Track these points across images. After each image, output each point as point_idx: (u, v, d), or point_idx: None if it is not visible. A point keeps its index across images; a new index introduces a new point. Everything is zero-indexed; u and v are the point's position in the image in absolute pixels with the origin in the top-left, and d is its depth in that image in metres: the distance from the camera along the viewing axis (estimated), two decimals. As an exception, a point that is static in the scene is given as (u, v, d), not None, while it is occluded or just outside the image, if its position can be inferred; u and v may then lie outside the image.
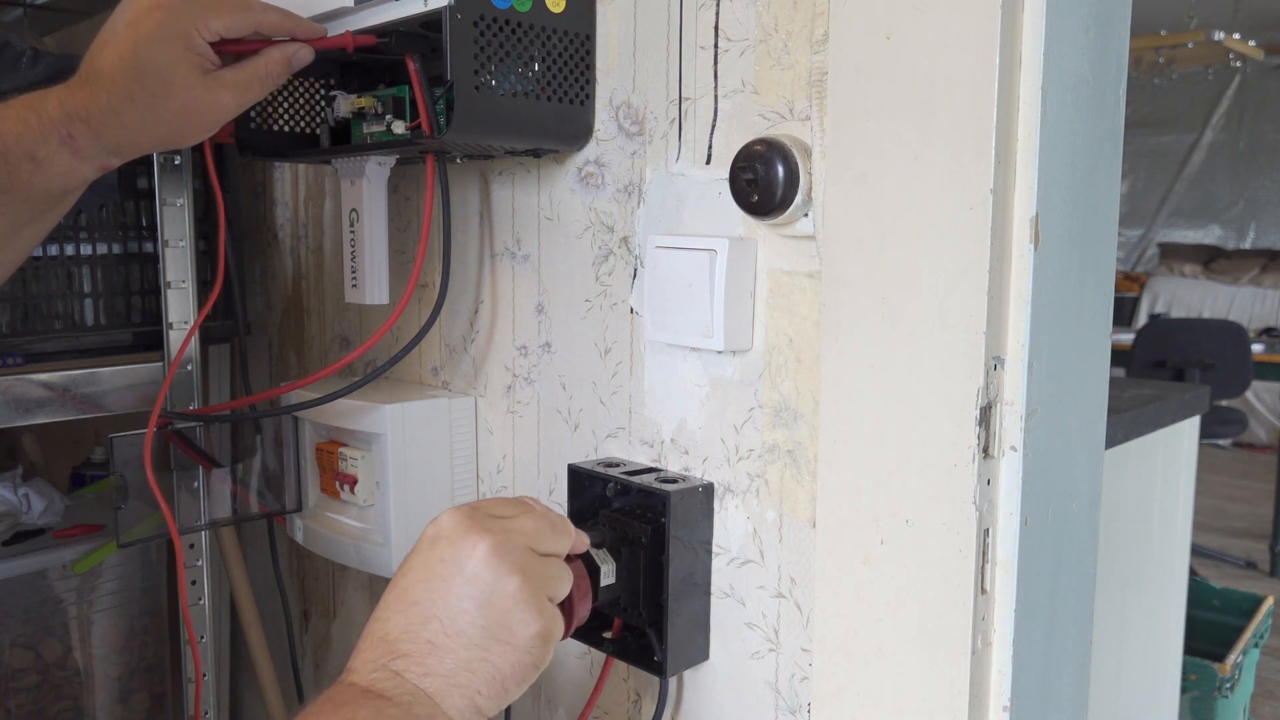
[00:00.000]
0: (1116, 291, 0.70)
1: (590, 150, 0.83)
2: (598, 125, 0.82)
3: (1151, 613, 1.67)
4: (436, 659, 0.55)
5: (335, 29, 0.78)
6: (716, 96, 0.73)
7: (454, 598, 0.56)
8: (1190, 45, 5.07)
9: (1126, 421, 1.44)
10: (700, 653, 0.77)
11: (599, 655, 0.85)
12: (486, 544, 0.57)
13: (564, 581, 0.61)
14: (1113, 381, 0.81)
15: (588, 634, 0.79)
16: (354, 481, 0.92)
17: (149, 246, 1.09)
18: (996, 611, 0.60)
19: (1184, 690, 1.90)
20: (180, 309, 1.06)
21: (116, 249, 1.07)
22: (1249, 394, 5.64)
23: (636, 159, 0.79)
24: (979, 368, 0.57)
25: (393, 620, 0.57)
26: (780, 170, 0.66)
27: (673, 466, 0.79)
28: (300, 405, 0.92)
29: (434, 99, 0.77)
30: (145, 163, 1.05)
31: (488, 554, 0.57)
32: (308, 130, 0.95)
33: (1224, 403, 4.33)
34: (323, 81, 0.95)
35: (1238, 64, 6.41)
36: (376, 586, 1.12)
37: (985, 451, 0.58)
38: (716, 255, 0.71)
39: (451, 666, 0.55)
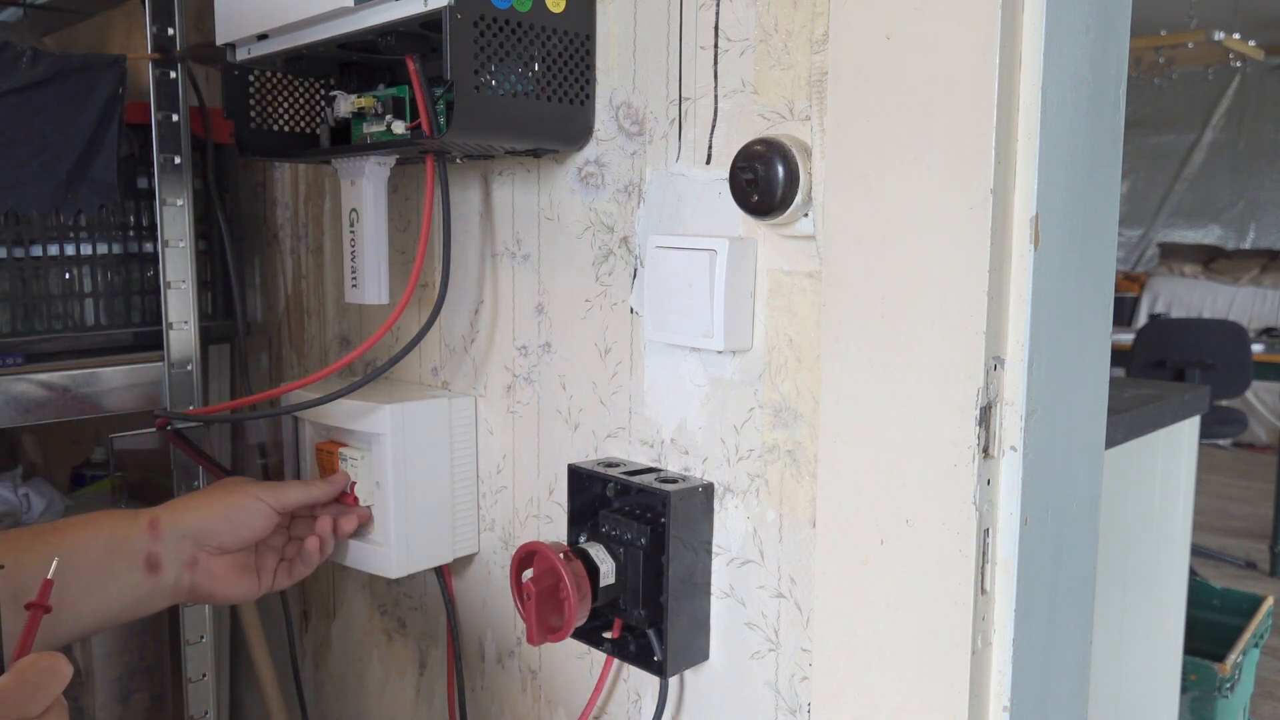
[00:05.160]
0: (1116, 291, 0.70)
1: (590, 150, 0.83)
2: (598, 125, 0.82)
3: (1151, 613, 1.67)
4: None
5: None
6: (716, 96, 0.73)
7: None
8: (1190, 45, 5.08)
9: (1126, 421, 1.44)
10: (700, 653, 0.77)
11: (599, 655, 0.85)
12: None
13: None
14: (1113, 381, 0.80)
15: (588, 634, 0.79)
16: (353, 482, 0.92)
17: (149, 246, 1.09)
18: (996, 611, 0.60)
19: (1184, 690, 1.90)
20: (180, 309, 1.06)
21: (116, 249, 1.07)
22: (1249, 394, 5.64)
23: (636, 159, 0.79)
24: (979, 368, 0.57)
25: None
26: (780, 170, 0.66)
27: (673, 466, 0.79)
28: (300, 405, 0.92)
29: (434, 99, 0.77)
30: (145, 163, 1.05)
31: None
32: (308, 130, 0.95)
33: (1224, 403, 4.33)
34: (323, 81, 0.95)
35: (1238, 64, 6.41)
36: (376, 586, 1.12)
37: (985, 451, 0.58)
38: (716, 255, 0.71)
39: None
